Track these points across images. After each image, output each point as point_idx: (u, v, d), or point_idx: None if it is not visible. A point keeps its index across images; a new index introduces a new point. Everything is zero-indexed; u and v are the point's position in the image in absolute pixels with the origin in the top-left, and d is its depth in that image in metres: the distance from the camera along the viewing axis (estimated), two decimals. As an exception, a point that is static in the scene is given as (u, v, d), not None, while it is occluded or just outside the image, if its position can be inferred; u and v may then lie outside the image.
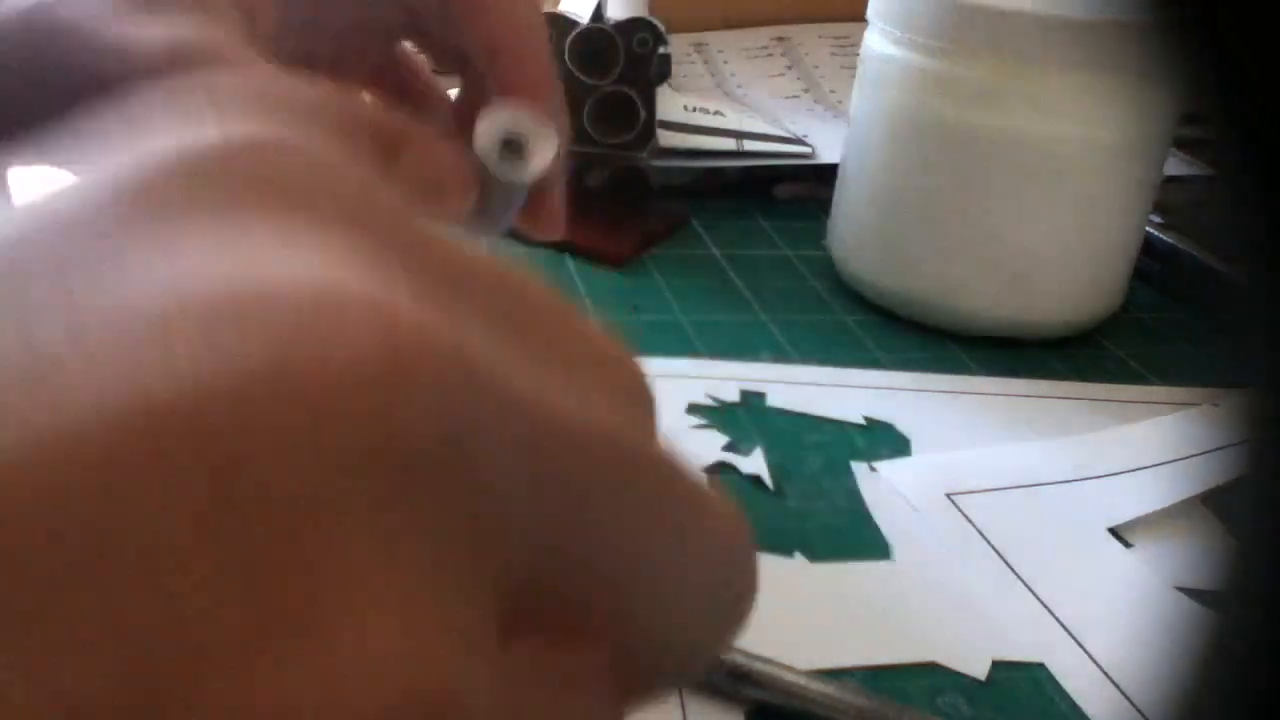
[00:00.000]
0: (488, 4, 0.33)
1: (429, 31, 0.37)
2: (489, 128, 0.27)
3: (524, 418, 0.11)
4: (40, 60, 0.29)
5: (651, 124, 0.59)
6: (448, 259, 0.12)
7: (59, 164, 0.31)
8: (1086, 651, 0.34)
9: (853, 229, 0.55)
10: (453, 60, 0.38)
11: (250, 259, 0.10)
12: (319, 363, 0.09)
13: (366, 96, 0.30)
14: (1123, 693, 0.32)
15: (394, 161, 0.27)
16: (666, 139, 0.61)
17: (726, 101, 0.69)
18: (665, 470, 0.13)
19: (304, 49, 0.32)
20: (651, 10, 0.60)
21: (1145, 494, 0.41)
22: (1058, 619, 0.35)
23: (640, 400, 0.14)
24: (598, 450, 0.12)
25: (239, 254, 0.10)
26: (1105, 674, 0.33)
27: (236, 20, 0.30)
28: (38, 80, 0.29)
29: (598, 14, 0.57)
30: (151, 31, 0.28)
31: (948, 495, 0.41)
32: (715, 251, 0.59)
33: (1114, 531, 0.39)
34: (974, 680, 0.33)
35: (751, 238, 0.62)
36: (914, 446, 0.44)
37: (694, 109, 0.63)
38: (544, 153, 0.27)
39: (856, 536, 0.38)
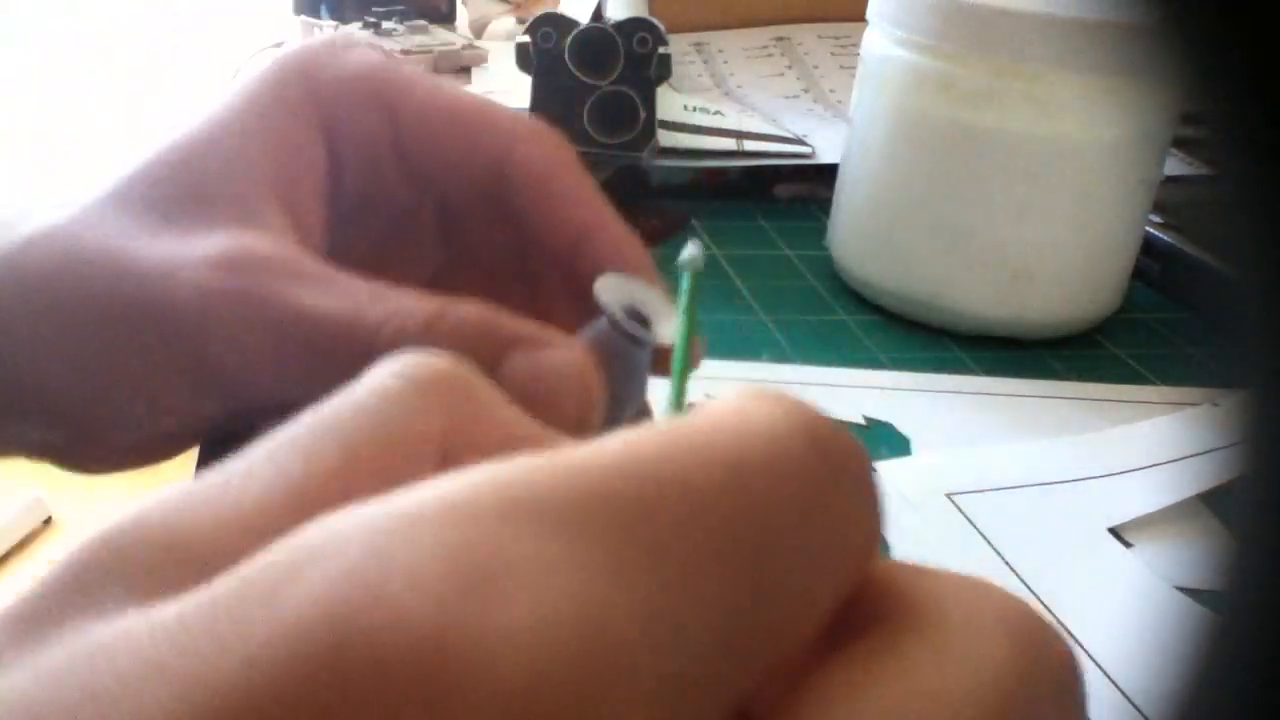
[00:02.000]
0: (558, 188, 0.30)
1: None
2: (613, 295, 0.26)
3: None
4: (56, 288, 0.26)
5: (651, 124, 0.59)
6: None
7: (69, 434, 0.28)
8: (1087, 651, 0.34)
9: (853, 229, 0.55)
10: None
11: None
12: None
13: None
14: (1123, 693, 0.32)
15: (499, 365, 0.25)
16: (666, 139, 0.61)
17: (726, 101, 0.69)
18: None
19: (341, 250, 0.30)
20: (651, 10, 0.60)
21: (1145, 494, 0.41)
22: (1058, 619, 0.35)
23: None
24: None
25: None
26: (1105, 674, 0.33)
27: (285, 224, 0.28)
28: (52, 312, 0.26)
29: (598, 14, 0.57)
30: (194, 245, 0.26)
31: (948, 495, 0.40)
32: (715, 251, 0.59)
33: (1114, 531, 0.39)
34: (974, 680, 0.32)
35: (751, 238, 0.62)
36: (914, 446, 0.44)
37: (694, 109, 0.64)
38: (668, 322, 0.27)
39: (856, 536, 0.38)
